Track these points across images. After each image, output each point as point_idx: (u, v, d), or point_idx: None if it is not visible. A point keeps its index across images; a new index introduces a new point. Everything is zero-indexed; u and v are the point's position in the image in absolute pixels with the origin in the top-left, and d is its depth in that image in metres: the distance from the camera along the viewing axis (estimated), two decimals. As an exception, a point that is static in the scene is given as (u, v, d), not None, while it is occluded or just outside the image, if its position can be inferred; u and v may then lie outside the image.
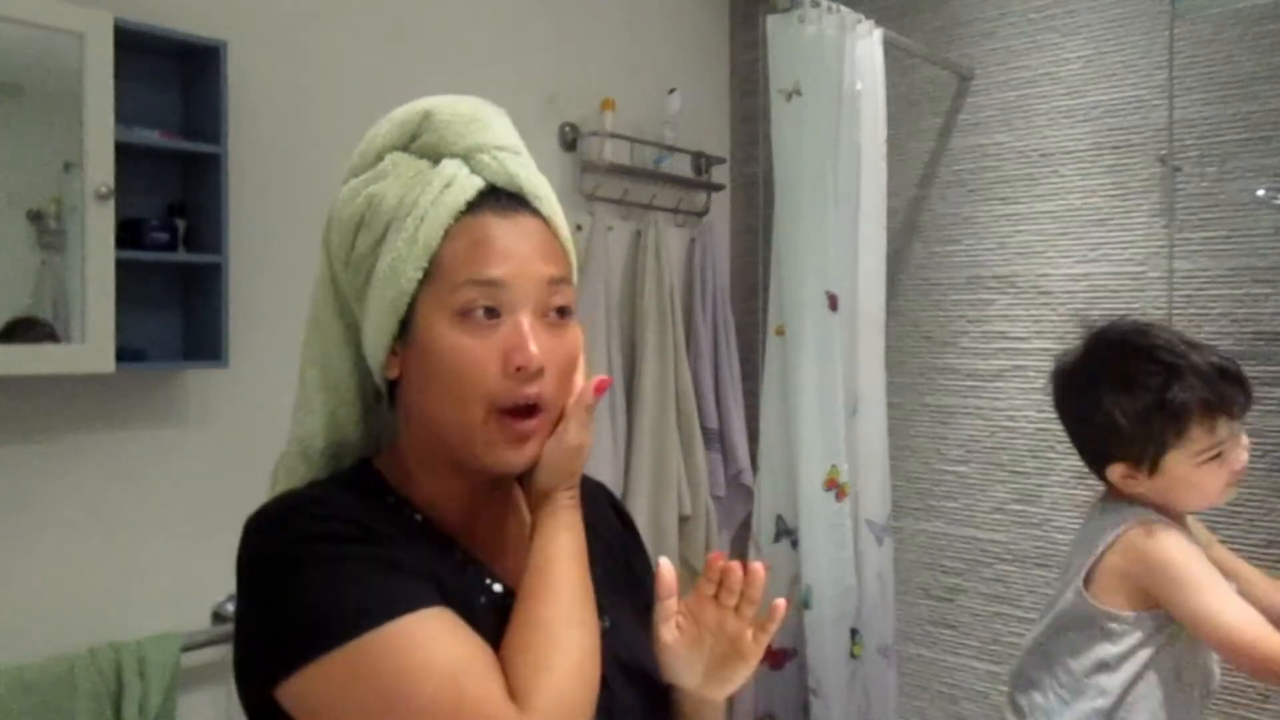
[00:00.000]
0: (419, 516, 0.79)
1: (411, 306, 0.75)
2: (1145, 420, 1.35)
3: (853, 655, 2.07)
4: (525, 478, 0.81)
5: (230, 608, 1.77)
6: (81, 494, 1.66)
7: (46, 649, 1.59)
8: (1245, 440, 1.41)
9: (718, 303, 2.72)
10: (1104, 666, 1.40)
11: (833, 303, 2.04)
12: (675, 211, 2.70)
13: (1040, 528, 2.33)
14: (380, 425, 0.88)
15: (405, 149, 0.79)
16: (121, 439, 1.71)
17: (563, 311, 0.78)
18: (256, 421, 1.85)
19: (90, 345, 1.55)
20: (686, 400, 2.58)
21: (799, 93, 2.01)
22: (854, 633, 2.07)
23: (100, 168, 1.54)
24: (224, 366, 1.73)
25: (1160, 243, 2.14)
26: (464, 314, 0.74)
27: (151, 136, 1.67)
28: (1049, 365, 2.30)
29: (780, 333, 2.09)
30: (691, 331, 2.67)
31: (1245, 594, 1.43)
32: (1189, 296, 2.08)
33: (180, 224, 1.73)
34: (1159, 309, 2.10)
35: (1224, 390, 1.35)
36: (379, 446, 0.87)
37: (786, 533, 2.11)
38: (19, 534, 1.60)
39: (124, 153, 1.58)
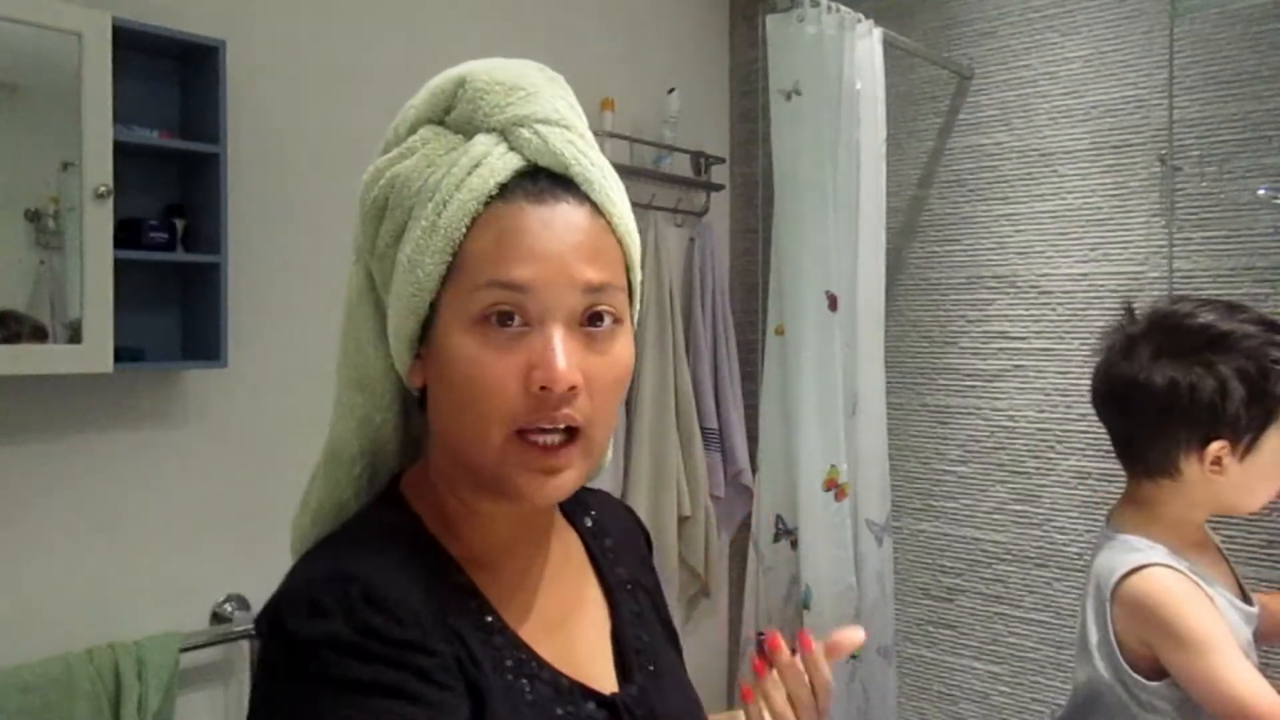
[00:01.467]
0: (464, 579, 0.69)
1: (434, 306, 0.66)
2: (1264, 387, 1.21)
3: (852, 656, 2.07)
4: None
5: (229, 608, 1.77)
6: (79, 494, 1.66)
7: (44, 649, 1.58)
8: None
9: (717, 303, 2.72)
10: None
11: (832, 303, 2.03)
12: (675, 211, 2.70)
13: (1040, 528, 2.33)
14: (421, 430, 0.78)
15: (440, 122, 0.69)
16: (120, 439, 1.71)
17: (603, 319, 0.66)
18: (255, 422, 1.85)
19: (88, 345, 1.54)
20: (686, 400, 2.58)
21: (798, 92, 2.01)
22: (854, 633, 2.07)
23: (99, 167, 1.54)
24: (223, 367, 1.72)
25: (1160, 243, 2.14)
26: (483, 320, 0.64)
27: (150, 136, 1.67)
28: (1049, 365, 2.33)
29: (780, 332, 2.08)
30: (691, 331, 2.67)
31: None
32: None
33: (179, 224, 1.73)
34: (1159, 309, 2.10)
35: None
36: (417, 453, 0.78)
37: (786, 533, 2.11)
38: (16, 534, 1.60)
39: (122, 152, 1.58)
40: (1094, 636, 1.30)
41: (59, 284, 1.54)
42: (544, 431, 0.64)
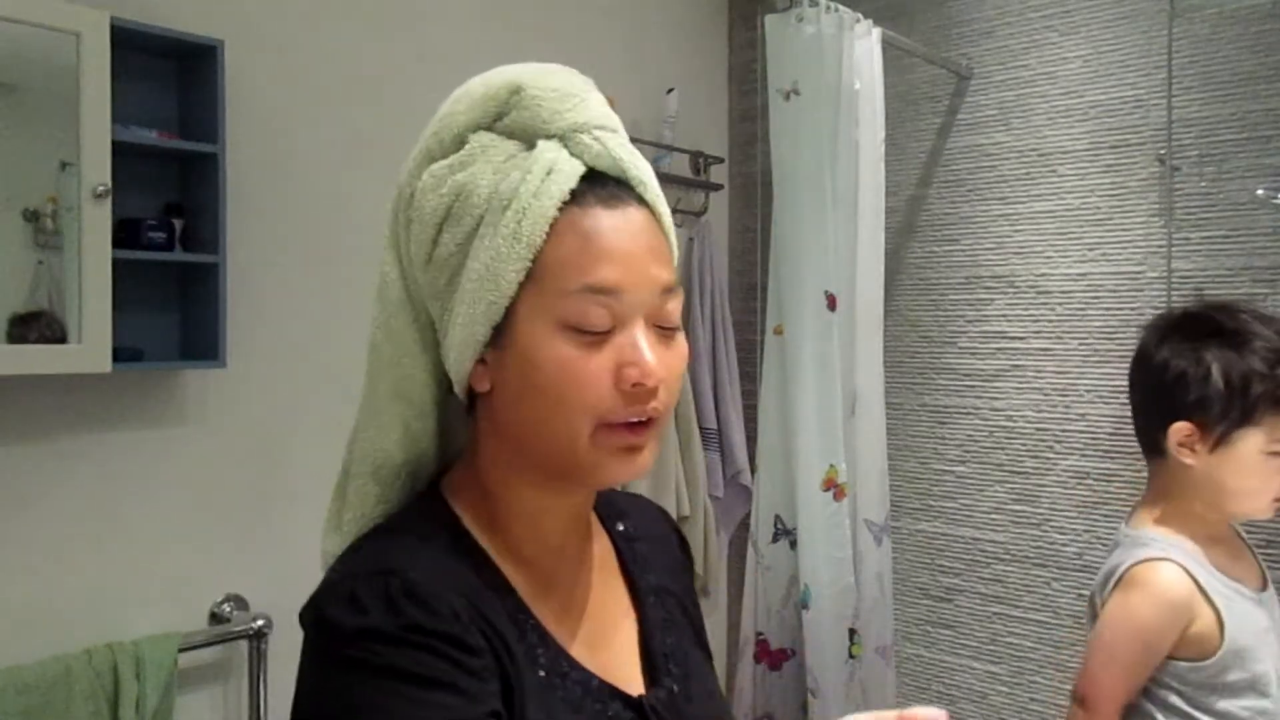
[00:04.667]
0: (500, 578, 0.70)
1: (508, 310, 0.66)
2: (1245, 384, 1.26)
3: (851, 655, 2.07)
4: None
5: (227, 608, 1.77)
6: (78, 494, 1.66)
7: (43, 650, 1.58)
8: None
9: (716, 302, 2.72)
10: (1172, 712, 1.31)
11: (831, 302, 2.04)
12: (673, 211, 2.68)
13: (1039, 528, 2.33)
14: (455, 435, 0.78)
15: (490, 129, 0.69)
16: (118, 439, 1.70)
17: (672, 316, 0.69)
18: (254, 422, 1.85)
19: (87, 345, 1.54)
20: (685, 400, 2.58)
21: (797, 92, 2.01)
22: (852, 633, 2.07)
23: (97, 167, 1.53)
24: (221, 367, 1.72)
25: (1159, 242, 2.14)
26: (573, 322, 0.65)
27: (148, 136, 1.66)
28: (1047, 365, 2.33)
29: (779, 332, 2.08)
30: (690, 331, 2.67)
31: None
32: (1188, 296, 2.08)
33: (177, 223, 1.73)
34: (1158, 309, 2.10)
35: None
36: (449, 458, 0.78)
37: (785, 533, 2.11)
38: (15, 534, 1.60)
39: (121, 152, 1.58)
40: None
41: (57, 284, 1.54)
42: (629, 423, 0.67)
